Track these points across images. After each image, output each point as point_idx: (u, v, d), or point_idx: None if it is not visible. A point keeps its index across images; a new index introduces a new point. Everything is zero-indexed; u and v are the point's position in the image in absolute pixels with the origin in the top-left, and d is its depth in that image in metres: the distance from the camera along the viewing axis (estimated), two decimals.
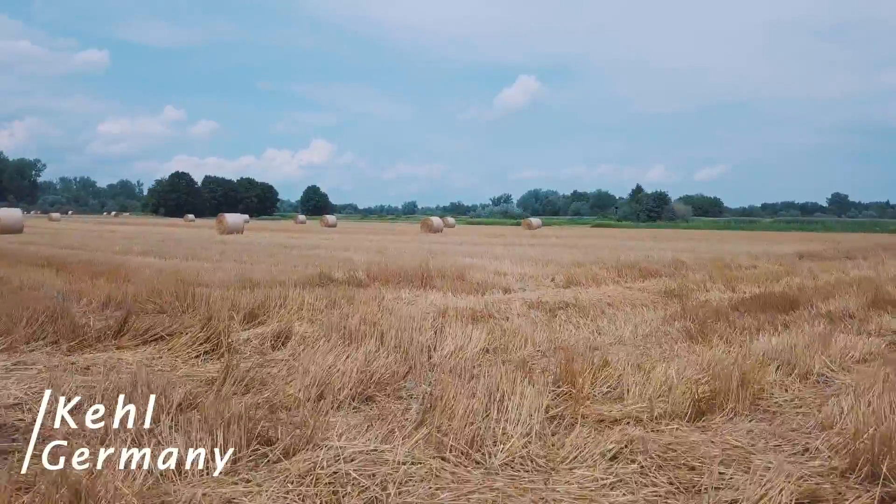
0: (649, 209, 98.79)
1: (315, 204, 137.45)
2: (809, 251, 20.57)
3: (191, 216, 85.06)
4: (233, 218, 39.24)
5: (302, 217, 76.18)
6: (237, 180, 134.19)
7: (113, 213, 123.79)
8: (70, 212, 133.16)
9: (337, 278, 9.94)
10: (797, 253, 19.45)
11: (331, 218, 61.77)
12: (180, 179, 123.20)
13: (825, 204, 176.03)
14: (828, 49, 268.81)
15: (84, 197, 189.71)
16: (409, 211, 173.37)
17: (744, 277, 11.81)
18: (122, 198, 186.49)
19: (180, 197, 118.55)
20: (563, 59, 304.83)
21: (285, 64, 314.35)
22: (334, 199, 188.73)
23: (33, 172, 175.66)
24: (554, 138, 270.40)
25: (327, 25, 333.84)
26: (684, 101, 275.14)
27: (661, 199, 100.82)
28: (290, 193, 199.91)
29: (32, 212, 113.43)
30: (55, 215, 74.11)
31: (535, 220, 66.25)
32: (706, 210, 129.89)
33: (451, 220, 66.00)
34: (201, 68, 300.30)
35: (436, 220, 48.39)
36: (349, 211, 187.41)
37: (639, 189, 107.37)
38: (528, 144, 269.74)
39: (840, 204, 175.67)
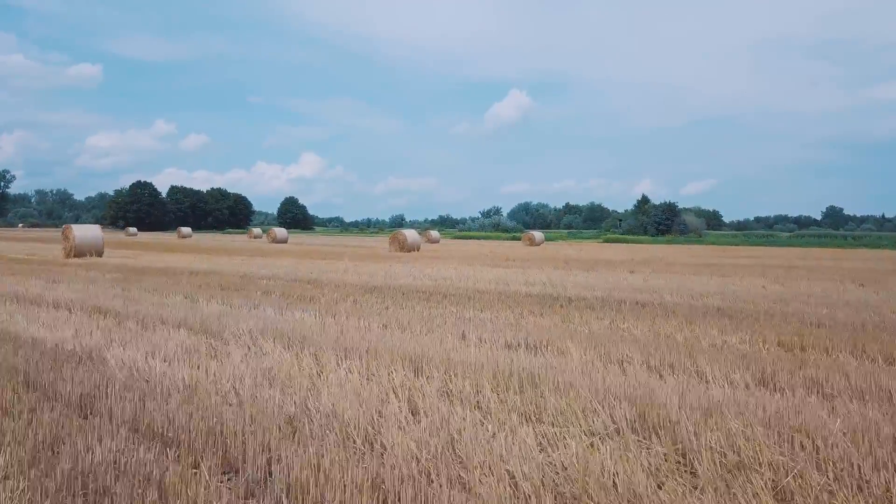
0: (658, 222, 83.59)
1: (293, 216, 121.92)
2: None
3: (132, 230, 69.29)
4: (83, 232, 23.66)
5: (258, 231, 62.50)
6: (206, 191, 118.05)
7: None
8: (20, 224, 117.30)
9: None
10: None
11: (281, 233, 46.37)
12: (142, 190, 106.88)
13: (819, 217, 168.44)
14: (813, 66, 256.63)
15: (59, 210, 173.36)
16: (397, 223, 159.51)
17: None
18: (97, 210, 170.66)
19: (141, 209, 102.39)
20: (554, 74, 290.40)
21: (276, 78, 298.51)
22: (324, 213, 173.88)
23: (2, 184, 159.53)
24: (544, 152, 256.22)
25: (318, 40, 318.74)
26: (673, 116, 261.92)
27: (670, 210, 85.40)
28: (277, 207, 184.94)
29: None
30: None
31: (537, 235, 50.97)
32: (706, 223, 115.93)
33: (434, 233, 50.53)
34: (193, 82, 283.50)
35: (410, 233, 32.76)
36: (335, 224, 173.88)
37: (644, 200, 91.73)
38: (518, 158, 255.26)
39: (835, 217, 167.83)
